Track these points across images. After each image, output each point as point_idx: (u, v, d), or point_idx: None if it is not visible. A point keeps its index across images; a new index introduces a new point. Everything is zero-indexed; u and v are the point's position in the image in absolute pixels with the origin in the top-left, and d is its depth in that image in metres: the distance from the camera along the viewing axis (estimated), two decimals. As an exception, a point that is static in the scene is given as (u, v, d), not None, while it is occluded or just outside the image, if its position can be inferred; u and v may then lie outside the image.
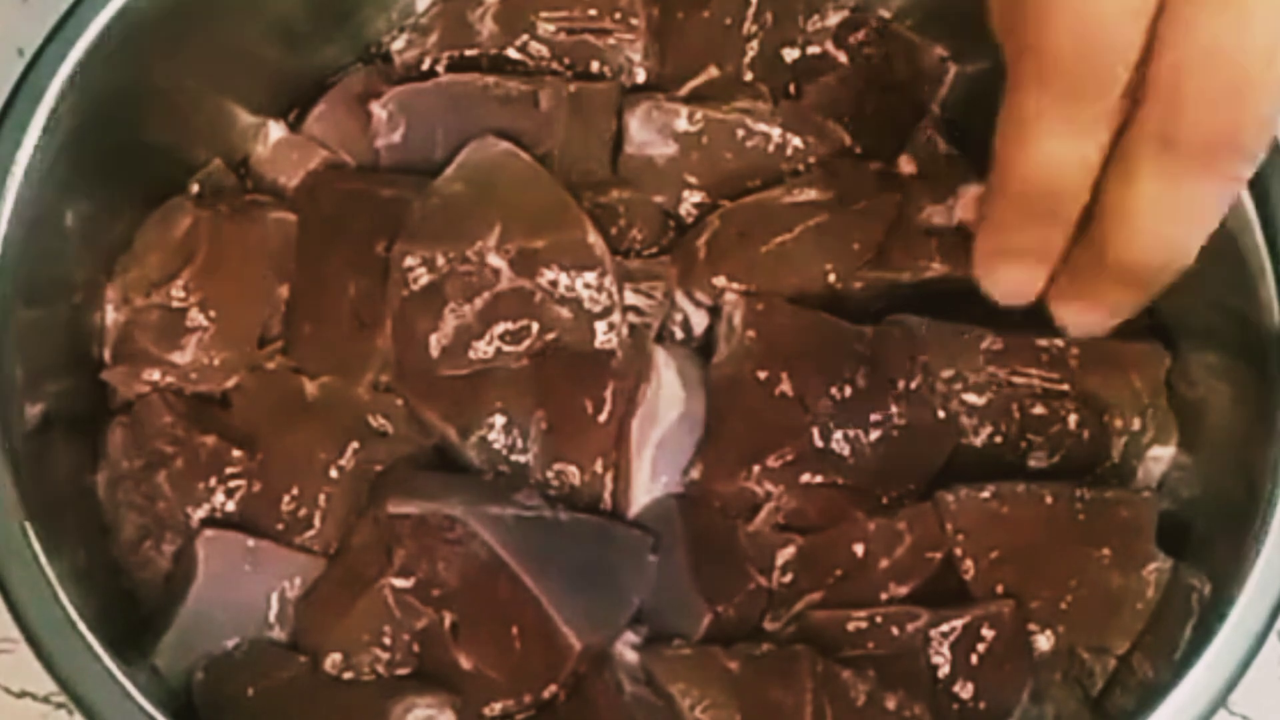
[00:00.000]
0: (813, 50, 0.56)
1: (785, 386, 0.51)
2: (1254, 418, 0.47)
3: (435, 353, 0.51)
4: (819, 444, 0.50)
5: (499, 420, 0.51)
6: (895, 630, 0.48)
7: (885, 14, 0.57)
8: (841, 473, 0.50)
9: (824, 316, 0.52)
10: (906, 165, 0.54)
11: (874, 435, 0.50)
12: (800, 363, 0.51)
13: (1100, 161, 0.42)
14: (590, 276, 0.51)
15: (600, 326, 0.51)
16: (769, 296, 0.52)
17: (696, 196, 0.55)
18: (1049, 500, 0.49)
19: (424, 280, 0.51)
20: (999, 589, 0.49)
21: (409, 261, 0.51)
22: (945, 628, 0.48)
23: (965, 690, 0.48)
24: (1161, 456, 0.52)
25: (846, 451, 0.50)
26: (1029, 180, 0.43)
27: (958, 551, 0.49)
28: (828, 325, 0.52)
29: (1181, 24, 0.38)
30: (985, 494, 0.49)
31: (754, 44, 0.56)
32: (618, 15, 0.56)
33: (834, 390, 0.51)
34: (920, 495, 0.50)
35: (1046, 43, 0.40)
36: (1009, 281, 0.45)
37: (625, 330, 0.51)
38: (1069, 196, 0.43)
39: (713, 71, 0.56)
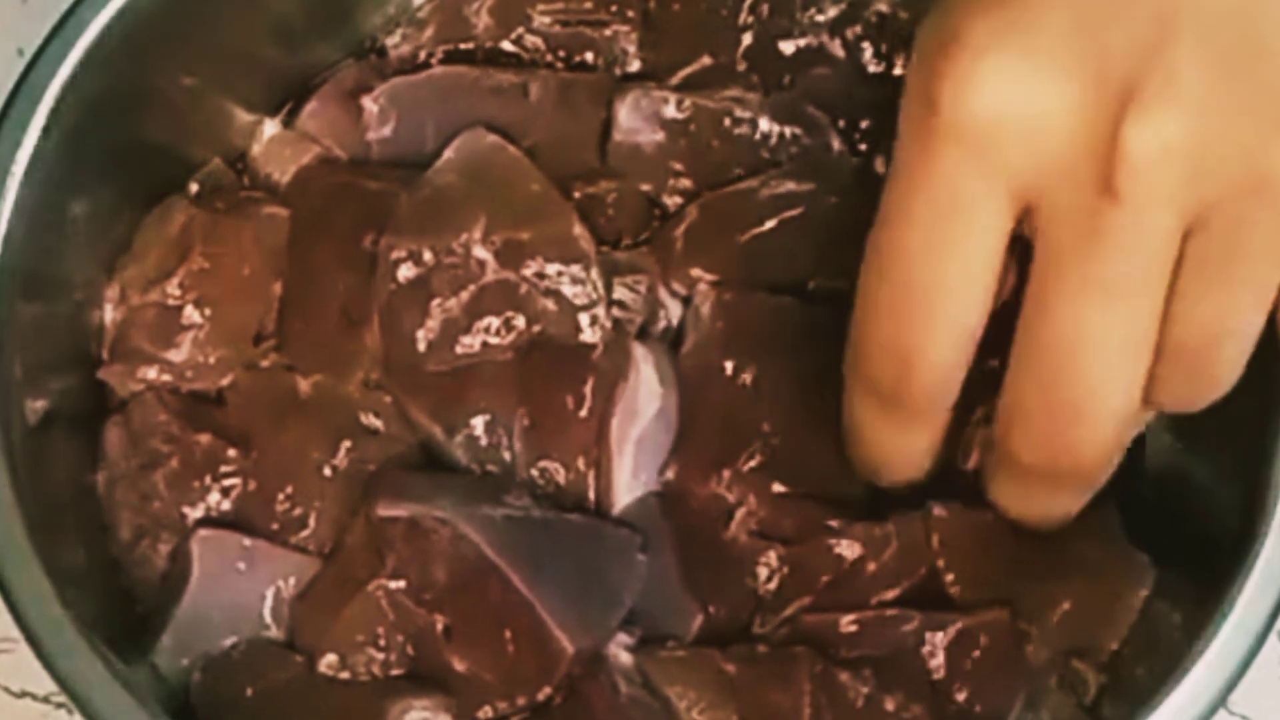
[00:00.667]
0: (808, 43, 0.55)
1: (748, 378, 0.50)
2: (1254, 415, 0.46)
3: (422, 347, 0.50)
4: (786, 442, 0.49)
5: (483, 418, 0.50)
6: (889, 632, 0.47)
7: (883, 7, 0.56)
8: (811, 482, 0.49)
9: (792, 301, 0.51)
10: (881, 167, 0.53)
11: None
12: (765, 352, 0.50)
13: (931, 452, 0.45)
14: (575, 269, 0.51)
15: (584, 319, 0.51)
16: (740, 287, 0.51)
17: (683, 184, 0.54)
18: None
19: (411, 274, 0.51)
20: (986, 599, 0.48)
21: (396, 254, 0.51)
22: (938, 631, 0.47)
23: (960, 694, 0.47)
24: None
25: (813, 449, 0.49)
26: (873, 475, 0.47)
27: (940, 564, 0.48)
28: (795, 310, 0.51)
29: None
30: (975, 512, 0.48)
31: (748, 35, 0.56)
32: (613, 7, 0.56)
33: (796, 379, 0.50)
34: (905, 500, 0.49)
35: (874, 377, 0.43)
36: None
37: (609, 324, 0.51)
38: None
39: (706, 61, 0.55)
